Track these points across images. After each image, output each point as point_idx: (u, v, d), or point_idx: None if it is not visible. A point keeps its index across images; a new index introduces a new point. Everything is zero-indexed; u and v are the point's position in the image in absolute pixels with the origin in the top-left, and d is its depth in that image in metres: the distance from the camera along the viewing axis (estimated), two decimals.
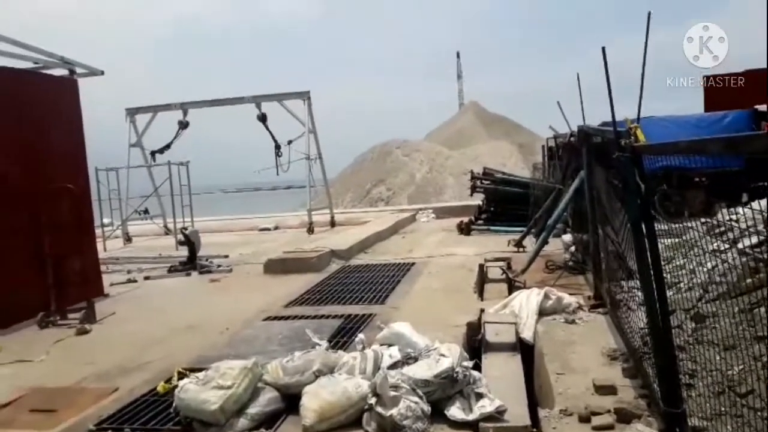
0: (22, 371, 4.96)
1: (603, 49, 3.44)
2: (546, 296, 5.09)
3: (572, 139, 9.08)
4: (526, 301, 5.02)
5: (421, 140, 63.85)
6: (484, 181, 13.27)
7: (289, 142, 14.71)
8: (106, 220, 14.35)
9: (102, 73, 8.15)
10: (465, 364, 3.51)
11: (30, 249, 6.79)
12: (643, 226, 2.83)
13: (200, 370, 3.93)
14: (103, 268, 8.67)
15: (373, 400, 3.25)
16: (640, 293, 3.72)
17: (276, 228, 15.85)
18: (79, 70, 7.82)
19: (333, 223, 15.25)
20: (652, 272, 2.83)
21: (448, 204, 21.81)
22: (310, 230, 13.93)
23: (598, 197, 5.26)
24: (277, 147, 14.71)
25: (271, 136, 14.63)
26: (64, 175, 7.25)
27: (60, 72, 7.70)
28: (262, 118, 14.34)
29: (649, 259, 2.82)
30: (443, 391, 3.37)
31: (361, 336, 4.32)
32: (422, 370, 3.44)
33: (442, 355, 3.52)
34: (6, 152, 6.63)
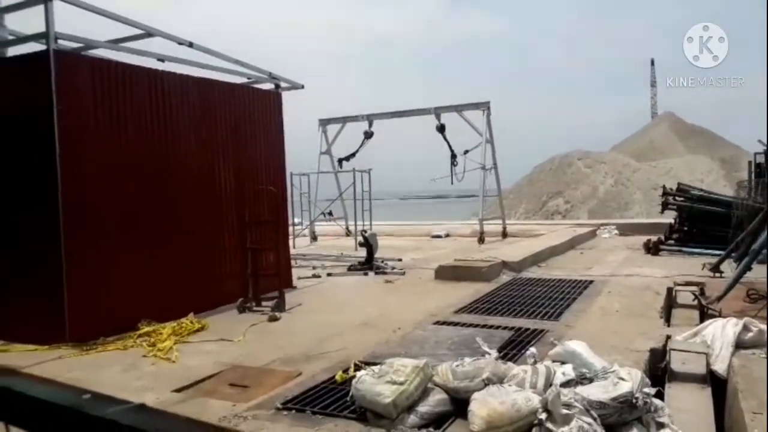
0: (223, 349, 5.62)
1: None
2: (745, 327, 4.55)
3: None
4: (721, 331, 4.53)
5: (607, 152, 59.93)
6: (677, 198, 12.17)
7: (466, 152, 14.87)
8: (296, 220, 15.71)
9: (302, 86, 8.97)
10: (646, 390, 3.29)
11: (235, 242, 7.70)
12: None
13: (374, 364, 4.15)
14: (292, 262, 9.49)
15: (543, 416, 3.18)
16: None
17: (447, 235, 16.08)
18: (283, 84, 8.70)
19: (505, 234, 15.06)
20: None
21: (633, 221, 20.36)
22: (481, 240, 13.90)
23: None
24: (453, 156, 14.94)
25: (448, 146, 14.91)
26: (266, 179, 8.14)
27: (267, 86, 8.63)
28: (441, 129, 14.67)
29: None
30: (620, 416, 3.19)
31: (533, 350, 4.25)
32: (598, 391, 3.28)
33: (621, 379, 3.33)
34: (224, 157, 7.62)
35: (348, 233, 15.74)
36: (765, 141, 11.22)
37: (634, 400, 3.17)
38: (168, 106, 6.84)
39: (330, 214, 16.43)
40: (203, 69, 7.49)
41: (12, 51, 6.70)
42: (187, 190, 7.10)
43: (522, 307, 6.89)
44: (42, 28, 5.82)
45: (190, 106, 7.13)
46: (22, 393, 0.55)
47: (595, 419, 3.14)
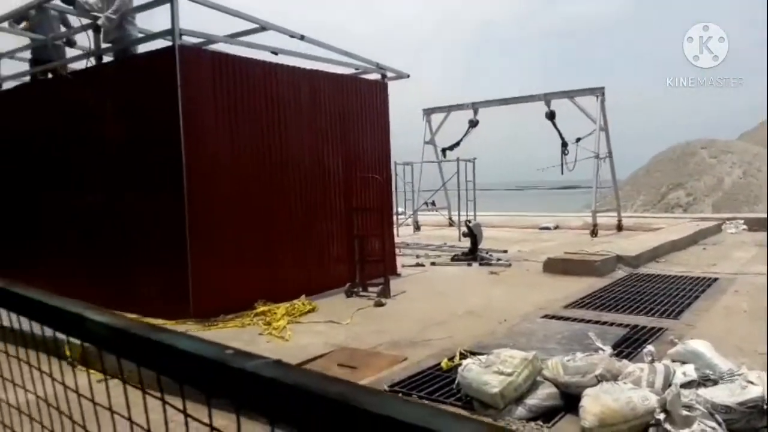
0: (332, 330, 5.81)
1: None
2: None
3: None
4: None
5: (734, 140, 54.96)
6: None
7: (578, 140, 14.21)
8: (400, 209, 15.86)
9: (408, 76, 9.01)
10: None
11: (343, 229, 7.92)
12: None
13: (480, 354, 4.12)
14: (396, 251, 9.60)
15: (661, 416, 3.00)
16: None
17: (556, 228, 15.53)
18: (389, 74, 8.78)
19: (620, 227, 14.32)
20: None
21: (764, 215, 18.59)
22: (594, 233, 13.30)
23: None
24: (564, 145, 14.35)
25: (559, 134, 14.33)
26: (372, 167, 8.29)
27: (374, 76, 8.75)
28: (551, 116, 14.14)
29: None
30: (747, 422, 2.95)
31: (650, 348, 4.01)
32: (723, 394, 3.05)
33: (750, 382, 3.07)
34: (332, 146, 7.85)
35: (451, 223, 15.66)
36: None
37: (765, 406, 2.91)
38: (280, 96, 7.13)
39: (433, 203, 16.42)
40: (313, 61, 7.73)
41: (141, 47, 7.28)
42: (298, 178, 7.39)
43: (638, 303, 6.52)
44: (167, 26, 6.26)
45: (300, 96, 7.39)
46: (172, 345, 0.60)
47: (720, 424, 2.92)
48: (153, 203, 6.53)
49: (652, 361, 3.76)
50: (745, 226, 14.28)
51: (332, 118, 7.86)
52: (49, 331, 0.90)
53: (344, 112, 8.02)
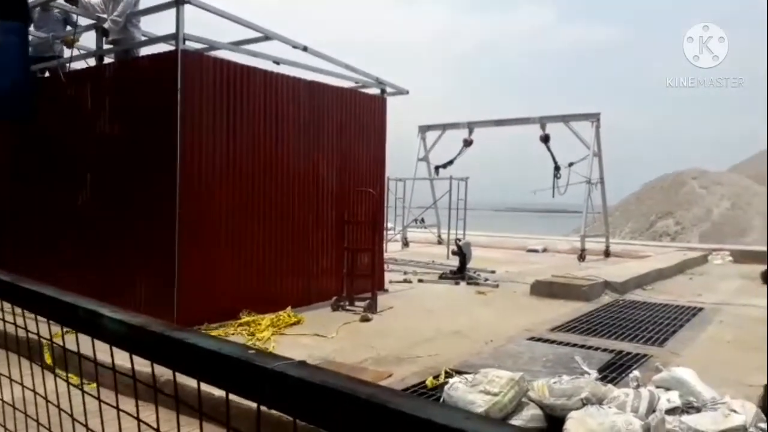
0: (317, 344, 5.77)
1: None
2: None
3: None
4: None
5: (724, 172, 55.54)
6: None
7: (570, 165, 14.35)
8: (389, 225, 15.88)
9: (407, 92, 9.09)
10: (762, 426, 3.04)
11: (333, 242, 7.92)
12: None
13: (465, 373, 4.12)
14: (384, 266, 9.60)
15: None
16: None
17: (544, 250, 15.61)
18: (388, 89, 8.86)
19: (607, 253, 14.42)
20: None
21: (750, 248, 18.80)
22: (582, 257, 13.39)
23: None
24: (557, 168, 14.47)
25: (552, 158, 14.45)
26: (367, 181, 8.32)
27: (373, 91, 8.82)
28: (545, 139, 14.27)
29: None
30: None
31: (636, 373, 4.04)
32: (707, 422, 3.08)
33: (733, 411, 3.10)
34: (328, 158, 7.88)
35: (440, 241, 15.69)
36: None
37: None
38: (279, 105, 7.17)
39: (422, 221, 16.45)
40: (314, 72, 7.78)
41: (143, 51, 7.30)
42: (292, 188, 7.40)
43: (624, 330, 6.56)
44: (171, 30, 6.29)
45: (299, 106, 7.43)
46: (195, 344, 0.61)
47: None
48: (144, 207, 6.51)
49: (638, 386, 3.78)
50: (730, 258, 14.43)
51: (330, 130, 7.89)
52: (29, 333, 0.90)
53: (342, 124, 8.06)
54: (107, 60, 7.34)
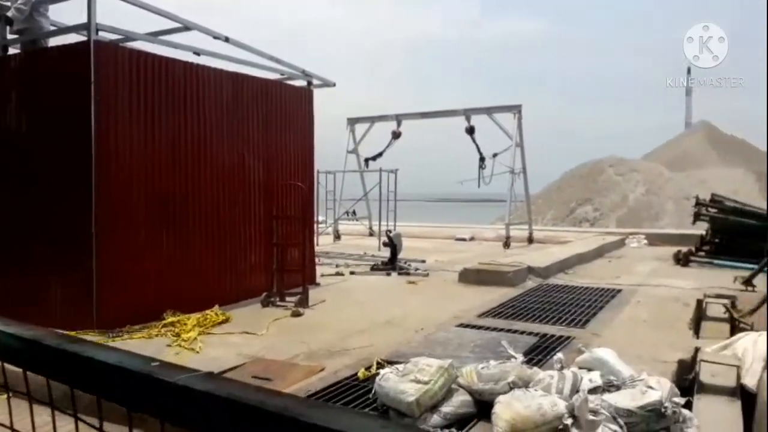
0: (247, 341, 5.65)
1: None
2: None
3: None
4: (753, 345, 4.42)
5: (639, 159, 58.77)
6: (710, 209, 11.92)
7: (495, 155, 14.76)
8: (320, 218, 15.78)
9: (334, 84, 9.01)
10: (676, 400, 3.23)
11: (262, 237, 7.76)
12: None
13: (397, 363, 4.15)
14: (315, 260, 9.54)
15: (569, 421, 3.14)
16: None
17: (472, 239, 15.99)
18: (315, 82, 8.75)
19: (531, 240, 14.94)
20: None
21: (664, 231, 20.01)
22: (507, 245, 13.81)
23: None
24: (482, 159, 14.84)
25: (477, 149, 14.82)
26: (295, 174, 8.20)
27: (299, 83, 8.69)
28: (471, 131, 14.60)
29: None
30: (647, 425, 3.14)
31: (559, 355, 4.20)
32: (625, 399, 3.24)
33: (650, 387, 3.28)
34: (254, 151, 7.70)
35: (371, 233, 15.75)
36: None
37: (662, 410, 3.12)
38: (202, 98, 6.94)
39: (354, 213, 16.45)
40: (238, 64, 7.57)
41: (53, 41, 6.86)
42: (217, 183, 7.19)
43: (548, 313, 6.82)
44: (83, 20, 5.95)
45: (223, 99, 7.22)
46: (92, 358, 0.56)
47: (621, 427, 3.10)
48: (59, 204, 6.14)
49: (561, 368, 3.93)
50: (646, 241, 15.28)
51: (255, 123, 7.72)
52: None
53: (268, 117, 7.90)
54: (12, 50, 6.87)
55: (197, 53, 7.04)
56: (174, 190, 6.67)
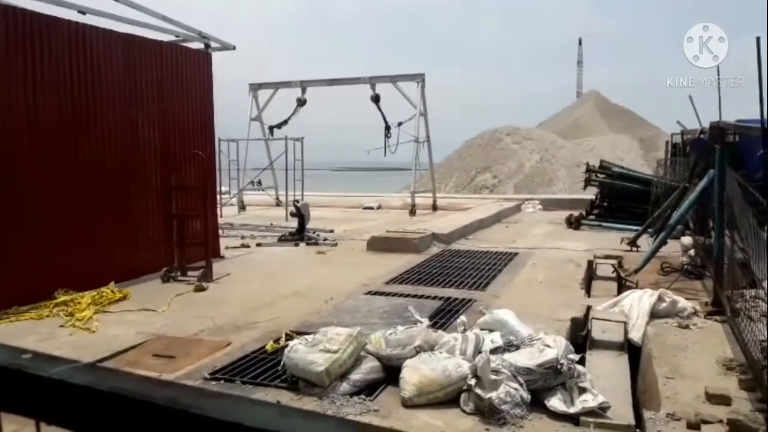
0: (147, 319, 5.42)
1: (757, 39, 3.20)
2: (660, 298, 4.85)
3: (702, 136, 8.51)
4: (638, 302, 4.81)
5: (534, 128, 61.55)
6: (599, 175, 12.72)
7: (399, 124, 14.88)
8: (224, 188, 15.27)
9: (234, 47, 8.63)
10: (570, 356, 3.45)
11: (160, 209, 7.40)
12: None
13: (306, 333, 4.14)
14: (219, 232, 9.26)
15: (472, 381, 3.28)
16: (764, 303, 3.47)
17: (379, 207, 16.15)
18: (213, 45, 8.34)
19: (435, 207, 15.31)
20: None
21: (557, 196, 21.19)
22: (413, 212, 14.07)
23: (727, 199, 4.91)
24: (387, 128, 14.92)
25: (383, 117, 14.86)
26: (194, 142, 7.84)
27: (196, 46, 8.25)
28: (376, 99, 14.58)
29: None
30: (545, 381, 3.34)
31: (462, 318, 4.35)
32: (525, 358, 3.42)
33: (547, 346, 3.48)
34: (149, 117, 7.26)
35: (278, 203, 15.49)
36: (683, 123, 11.91)
37: (558, 366, 3.32)
38: (89, 59, 6.43)
39: (259, 183, 16.07)
40: (129, 24, 7.06)
41: None
42: (108, 152, 6.74)
43: (451, 277, 7.05)
44: None
45: (113, 61, 6.72)
46: None
47: (521, 385, 3.27)
48: None
49: (464, 330, 4.08)
50: (540, 206, 16.10)
51: (149, 88, 7.26)
52: None
53: (163, 81, 7.45)
54: None
55: (82, 12, 6.49)
56: (61, 163, 6.18)
